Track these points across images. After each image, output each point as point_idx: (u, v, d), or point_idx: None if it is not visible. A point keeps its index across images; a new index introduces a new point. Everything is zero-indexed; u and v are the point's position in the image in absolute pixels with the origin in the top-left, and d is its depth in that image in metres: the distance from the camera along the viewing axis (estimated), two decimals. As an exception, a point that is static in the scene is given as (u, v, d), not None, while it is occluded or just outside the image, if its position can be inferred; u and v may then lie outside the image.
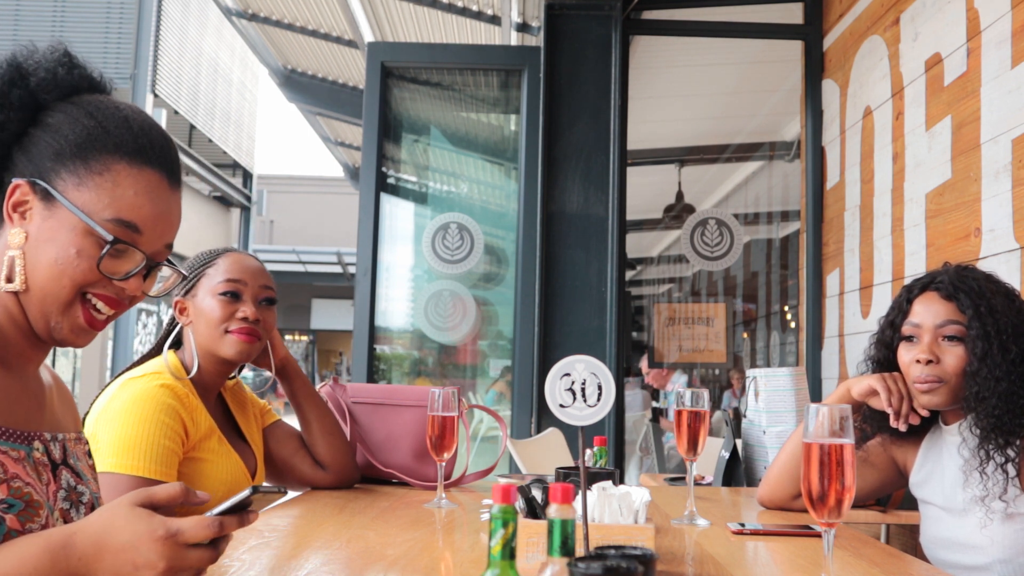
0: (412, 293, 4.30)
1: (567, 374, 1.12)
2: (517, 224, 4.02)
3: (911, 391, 1.60)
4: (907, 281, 1.75)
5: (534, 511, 1.19)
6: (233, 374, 1.84)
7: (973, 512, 1.52)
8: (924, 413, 1.60)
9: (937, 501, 1.62)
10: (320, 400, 1.87)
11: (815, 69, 3.88)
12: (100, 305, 1.00)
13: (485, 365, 4.80)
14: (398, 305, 4.35)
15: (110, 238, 0.98)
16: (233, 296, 1.67)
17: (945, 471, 1.61)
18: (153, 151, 1.02)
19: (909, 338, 1.61)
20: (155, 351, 1.71)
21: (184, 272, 1.05)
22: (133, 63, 12.09)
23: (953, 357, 1.55)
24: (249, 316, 1.67)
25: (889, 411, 1.60)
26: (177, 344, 1.74)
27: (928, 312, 1.59)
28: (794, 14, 3.98)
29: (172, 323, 1.75)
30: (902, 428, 1.60)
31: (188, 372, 1.66)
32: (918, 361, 1.57)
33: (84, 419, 1.57)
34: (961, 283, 1.57)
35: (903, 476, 1.73)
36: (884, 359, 1.67)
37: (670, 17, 4.14)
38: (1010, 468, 1.47)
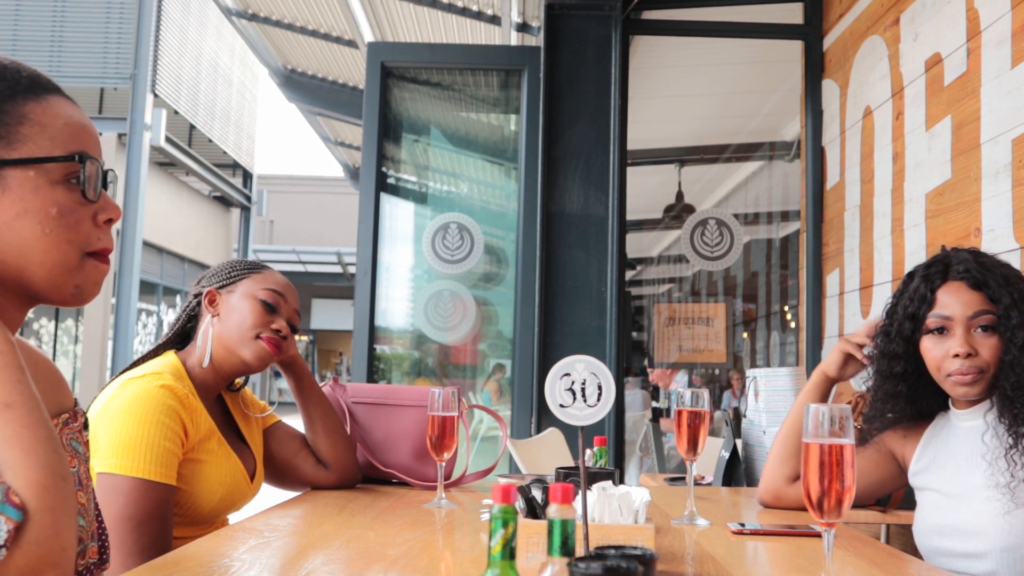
0: (412, 293, 4.30)
1: (567, 374, 1.12)
2: (517, 224, 4.02)
3: (944, 384, 1.58)
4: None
5: (534, 511, 1.19)
6: (239, 385, 1.84)
7: (987, 499, 1.50)
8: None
9: (940, 487, 1.60)
10: (325, 399, 1.87)
11: (815, 69, 3.88)
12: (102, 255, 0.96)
13: (485, 365, 4.80)
14: (398, 305, 4.34)
15: (78, 162, 0.92)
16: (272, 307, 1.71)
17: (954, 457, 1.59)
18: (40, 79, 0.96)
19: (938, 330, 1.57)
20: (156, 350, 1.71)
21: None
22: (133, 63, 12.09)
23: (988, 348, 1.53)
24: (283, 331, 1.71)
25: (868, 363, 1.68)
26: (183, 342, 1.73)
27: (958, 303, 1.55)
28: (794, 14, 3.98)
29: (189, 317, 1.75)
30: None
31: (191, 371, 1.66)
32: (956, 355, 1.53)
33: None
34: (986, 270, 1.55)
35: (903, 472, 1.72)
36: (902, 353, 1.62)
37: (670, 17, 4.14)
38: None
